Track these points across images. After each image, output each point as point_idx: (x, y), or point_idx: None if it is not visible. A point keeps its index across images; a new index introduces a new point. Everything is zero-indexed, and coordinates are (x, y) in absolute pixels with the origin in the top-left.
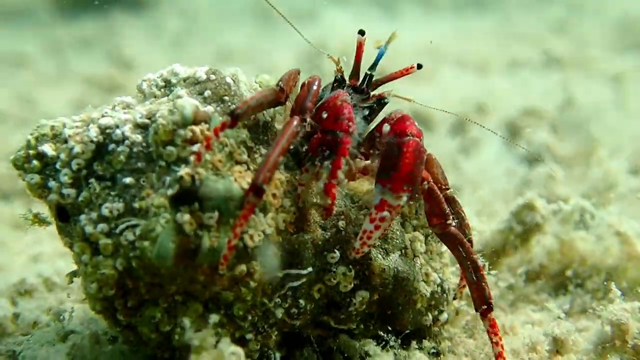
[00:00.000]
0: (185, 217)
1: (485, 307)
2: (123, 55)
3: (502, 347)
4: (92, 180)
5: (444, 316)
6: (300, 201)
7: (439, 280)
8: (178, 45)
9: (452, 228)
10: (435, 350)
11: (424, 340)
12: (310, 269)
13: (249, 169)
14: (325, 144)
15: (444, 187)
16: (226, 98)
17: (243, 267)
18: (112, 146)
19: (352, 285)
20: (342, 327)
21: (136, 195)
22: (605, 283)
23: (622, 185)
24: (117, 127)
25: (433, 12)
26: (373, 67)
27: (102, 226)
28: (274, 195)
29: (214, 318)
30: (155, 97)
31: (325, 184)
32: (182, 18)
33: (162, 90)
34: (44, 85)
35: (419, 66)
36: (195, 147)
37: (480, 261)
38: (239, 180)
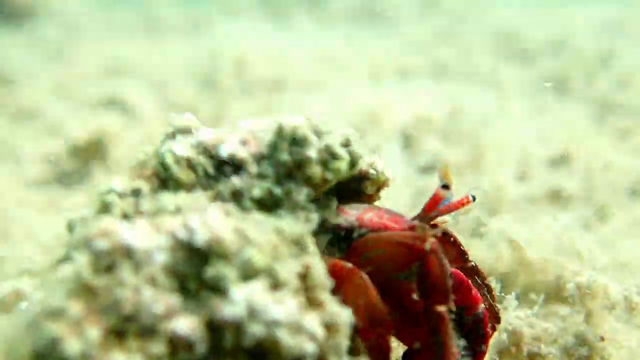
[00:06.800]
0: None
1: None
2: (3, 70)
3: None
4: None
5: None
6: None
7: None
8: (61, 57)
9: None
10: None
11: None
12: None
13: None
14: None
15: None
16: None
17: None
18: None
19: None
20: None
21: None
22: (501, 293)
23: (511, 192)
24: None
25: (326, 22)
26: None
27: None
28: None
29: None
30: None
31: None
32: (63, 29)
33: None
34: None
35: (474, 198)
36: None
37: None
38: None
